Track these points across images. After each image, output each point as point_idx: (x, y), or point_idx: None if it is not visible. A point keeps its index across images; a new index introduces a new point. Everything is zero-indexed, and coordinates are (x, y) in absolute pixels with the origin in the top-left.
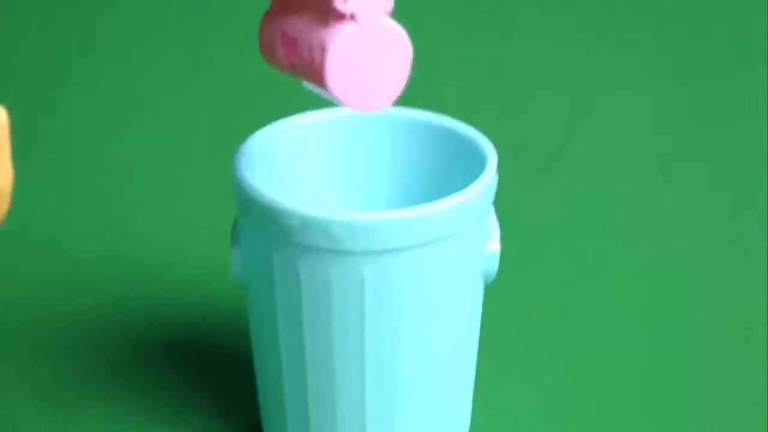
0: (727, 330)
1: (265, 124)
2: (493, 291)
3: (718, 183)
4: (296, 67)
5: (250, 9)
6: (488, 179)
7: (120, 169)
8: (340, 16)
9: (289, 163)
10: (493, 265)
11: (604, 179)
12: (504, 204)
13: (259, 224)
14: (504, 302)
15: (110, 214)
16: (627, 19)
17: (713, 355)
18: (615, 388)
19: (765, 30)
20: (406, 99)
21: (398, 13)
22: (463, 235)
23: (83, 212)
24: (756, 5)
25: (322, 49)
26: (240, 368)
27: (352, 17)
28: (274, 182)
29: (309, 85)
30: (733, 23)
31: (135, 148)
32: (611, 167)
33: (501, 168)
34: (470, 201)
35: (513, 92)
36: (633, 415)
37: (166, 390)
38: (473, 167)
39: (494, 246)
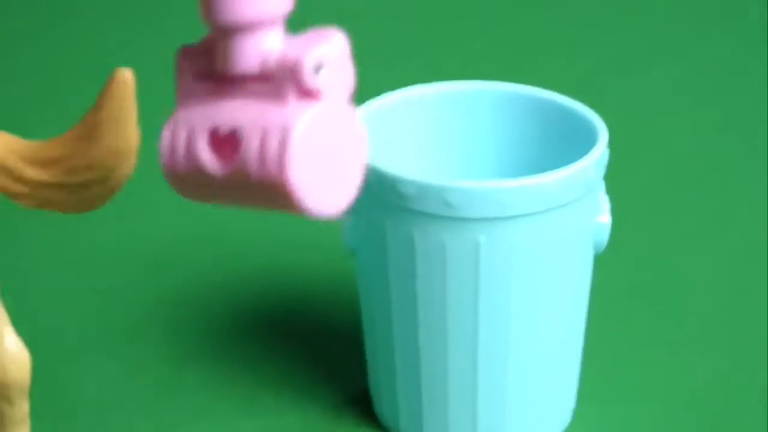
0: None
1: (369, 98)
2: (602, 262)
3: None
4: (234, 170)
5: None
6: (600, 152)
7: None
8: (302, 94)
9: (395, 134)
10: (603, 237)
11: (713, 154)
12: (613, 178)
13: (374, 192)
14: (612, 274)
15: None
16: None
17: None
18: (724, 363)
19: None
20: (513, 75)
21: None
22: (575, 206)
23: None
24: None
25: (284, 132)
26: (347, 336)
27: (315, 95)
28: (381, 152)
29: (244, 199)
30: None
31: None
32: (722, 141)
33: (610, 142)
34: (583, 172)
35: (618, 68)
36: (742, 391)
37: (273, 357)
38: (581, 142)
39: (604, 218)
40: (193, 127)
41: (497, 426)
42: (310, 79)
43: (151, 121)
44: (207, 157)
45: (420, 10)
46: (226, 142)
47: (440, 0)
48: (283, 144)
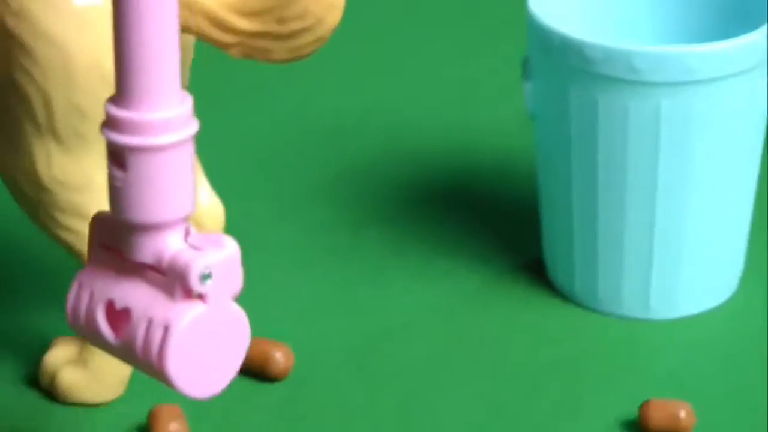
0: None
1: None
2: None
3: None
4: (124, 342)
5: None
6: None
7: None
8: (188, 294)
9: (568, 4)
10: None
11: None
12: None
13: (558, 57)
14: None
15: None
16: None
17: None
18: None
19: None
20: None
21: None
22: (752, 74)
23: None
24: None
25: (166, 328)
26: (522, 204)
27: (201, 297)
28: (555, 20)
29: (133, 365)
30: None
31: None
32: None
33: None
34: (761, 41)
35: None
36: None
37: (449, 223)
38: (745, 17)
39: None
40: (93, 294)
41: (669, 287)
42: (195, 286)
43: None
44: (103, 325)
45: None
46: (121, 314)
47: None
48: (164, 339)
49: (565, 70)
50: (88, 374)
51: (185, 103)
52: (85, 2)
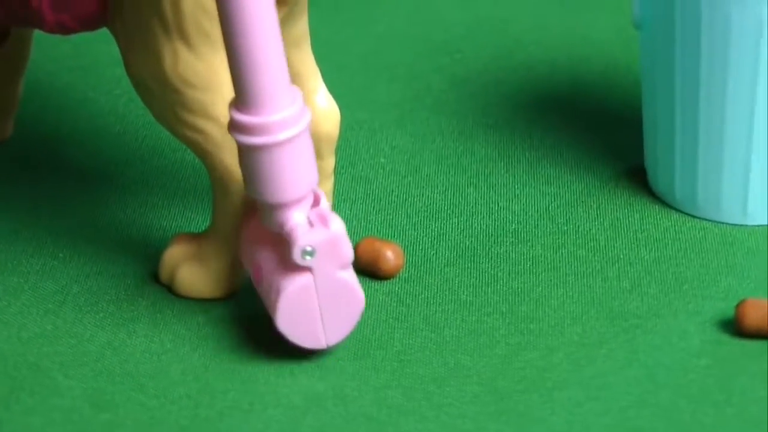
0: None
1: None
2: None
3: None
4: (259, 291)
5: None
6: None
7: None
8: (299, 266)
9: None
10: None
11: None
12: None
13: None
14: None
15: None
16: None
17: None
18: None
19: None
20: None
21: None
22: None
23: None
24: None
25: (277, 292)
26: (624, 114)
27: (310, 269)
28: None
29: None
30: None
31: None
32: None
33: None
34: None
35: None
36: None
37: (554, 131)
38: None
39: None
40: (250, 245)
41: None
42: (298, 260)
43: None
44: (252, 276)
45: None
46: (259, 268)
47: None
48: (275, 300)
49: None
50: (204, 271)
51: (297, 100)
52: None
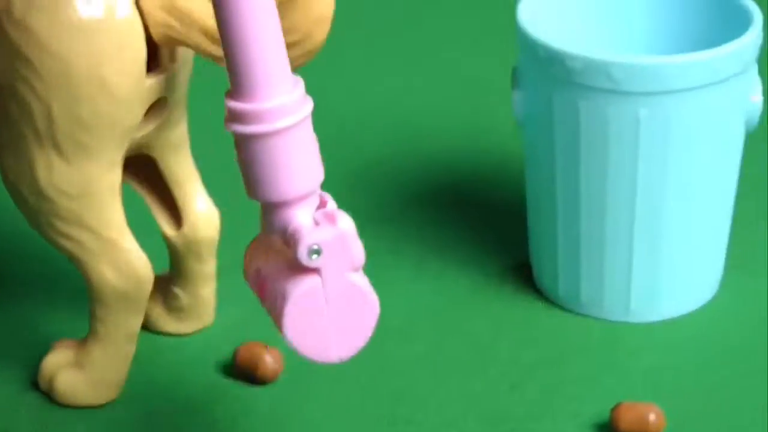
0: None
1: None
2: (752, 140)
3: None
4: (265, 304)
5: None
6: (756, 32)
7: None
8: (305, 269)
9: (565, 12)
10: (755, 115)
11: None
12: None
13: (542, 67)
14: (762, 151)
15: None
16: None
17: None
18: None
19: None
20: None
21: None
22: (731, 83)
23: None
24: None
25: (283, 298)
26: (511, 208)
27: (318, 271)
28: (548, 29)
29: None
30: None
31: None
32: None
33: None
34: (740, 51)
35: None
36: None
37: (442, 225)
38: (733, 25)
39: (757, 97)
40: (254, 260)
41: (650, 289)
42: (304, 261)
43: None
44: (253, 288)
45: None
46: (264, 281)
47: None
48: (281, 308)
49: (550, 79)
50: (83, 378)
51: (297, 87)
52: (86, 14)
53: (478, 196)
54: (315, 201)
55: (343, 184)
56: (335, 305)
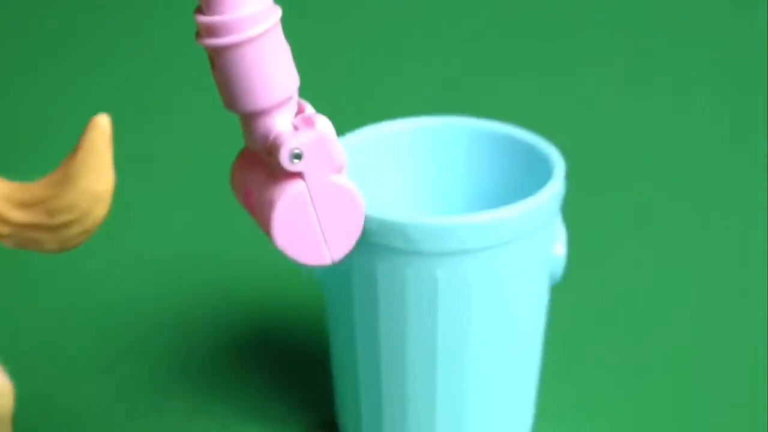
0: None
1: (343, 134)
2: (559, 292)
3: None
4: (254, 216)
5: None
6: (556, 187)
7: (200, 171)
8: (287, 174)
9: (366, 169)
10: (559, 268)
11: (667, 184)
12: (571, 207)
13: None
14: (570, 303)
15: (193, 214)
16: (693, 27)
17: None
18: (676, 389)
19: None
20: (477, 109)
21: (455, 22)
22: (531, 239)
23: (164, 214)
24: None
25: (270, 206)
26: (316, 365)
27: (300, 175)
28: (369, 187)
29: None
30: None
31: (208, 155)
32: (675, 171)
33: (568, 173)
34: (538, 207)
35: (581, 101)
36: (695, 416)
37: (245, 384)
38: (542, 174)
39: (560, 249)
40: (239, 175)
41: None
42: (288, 166)
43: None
44: (242, 203)
45: (378, 49)
46: (250, 193)
47: (401, 39)
48: (269, 216)
49: None
50: None
51: None
52: None
53: (283, 354)
54: (293, 107)
55: (154, 335)
56: (322, 208)
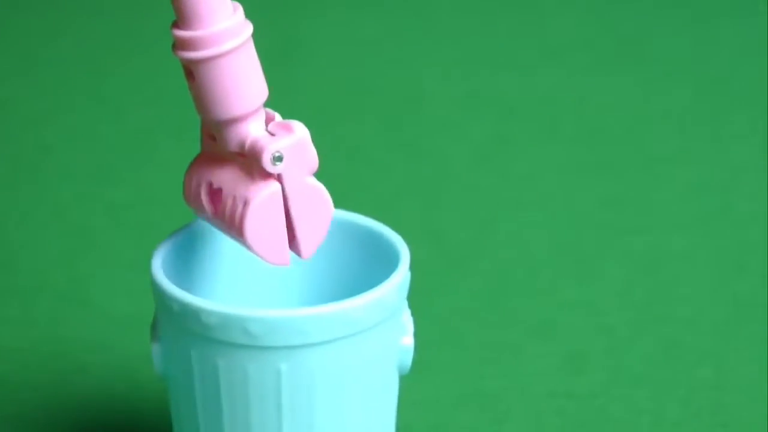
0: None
1: (181, 225)
2: (410, 380)
3: (640, 277)
4: (219, 216)
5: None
6: (401, 277)
7: (45, 257)
8: (265, 175)
9: (206, 262)
10: (407, 358)
11: (520, 272)
12: (419, 294)
13: (178, 322)
14: (421, 389)
15: (33, 304)
16: (550, 115)
17: None
18: None
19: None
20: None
21: (308, 109)
22: (377, 330)
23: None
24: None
25: (245, 203)
26: None
27: (278, 177)
28: (191, 281)
29: (230, 236)
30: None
31: (60, 241)
32: (527, 259)
33: (416, 259)
34: (383, 298)
35: (427, 186)
36: None
37: None
38: (388, 262)
39: (408, 339)
40: (200, 176)
41: None
42: (269, 168)
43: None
44: (205, 202)
45: None
46: (217, 193)
47: None
48: (242, 213)
49: (187, 333)
50: None
51: (237, 12)
52: None
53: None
54: (263, 115)
55: (65, 386)
56: (296, 207)
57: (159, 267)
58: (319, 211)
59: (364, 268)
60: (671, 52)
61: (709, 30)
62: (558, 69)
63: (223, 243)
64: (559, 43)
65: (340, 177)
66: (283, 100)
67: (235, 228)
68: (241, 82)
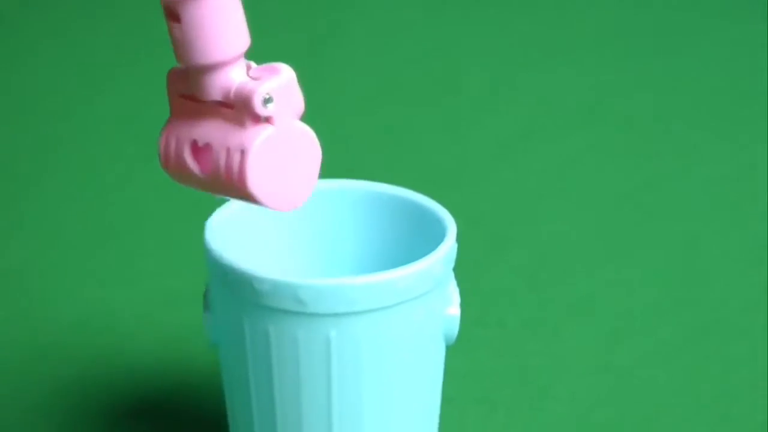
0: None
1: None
2: (455, 352)
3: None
4: (210, 173)
5: None
6: (447, 248)
7: (94, 233)
8: (256, 120)
9: (258, 232)
10: (453, 328)
11: (560, 251)
12: (464, 269)
13: (231, 290)
14: (466, 363)
15: (85, 276)
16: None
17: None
18: None
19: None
20: (371, 172)
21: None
22: (423, 300)
23: (57, 278)
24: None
25: (242, 152)
26: (213, 428)
27: (268, 120)
28: (244, 249)
29: (222, 194)
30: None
31: (109, 217)
32: (567, 239)
33: (460, 236)
34: (430, 268)
35: (472, 165)
36: None
37: None
38: (435, 235)
39: (454, 310)
40: (180, 137)
41: None
42: (260, 110)
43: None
44: (191, 162)
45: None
46: (204, 150)
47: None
48: (242, 162)
49: (239, 301)
50: None
51: None
52: None
53: (180, 416)
54: (244, 64)
55: (56, 397)
56: (288, 152)
57: (213, 237)
58: (309, 154)
59: (413, 240)
60: (701, 46)
61: (737, 25)
62: (600, 57)
63: (272, 214)
64: (603, 32)
65: (384, 156)
66: (322, 86)
67: (234, 181)
68: (227, 25)
